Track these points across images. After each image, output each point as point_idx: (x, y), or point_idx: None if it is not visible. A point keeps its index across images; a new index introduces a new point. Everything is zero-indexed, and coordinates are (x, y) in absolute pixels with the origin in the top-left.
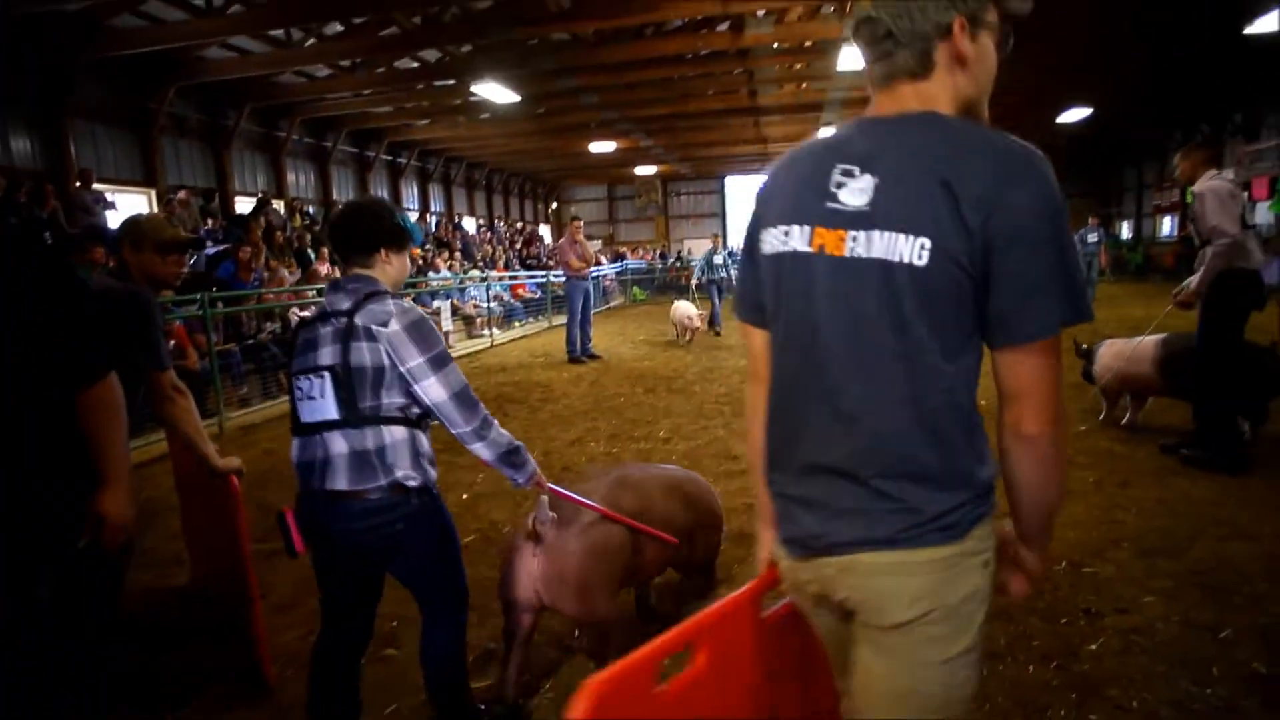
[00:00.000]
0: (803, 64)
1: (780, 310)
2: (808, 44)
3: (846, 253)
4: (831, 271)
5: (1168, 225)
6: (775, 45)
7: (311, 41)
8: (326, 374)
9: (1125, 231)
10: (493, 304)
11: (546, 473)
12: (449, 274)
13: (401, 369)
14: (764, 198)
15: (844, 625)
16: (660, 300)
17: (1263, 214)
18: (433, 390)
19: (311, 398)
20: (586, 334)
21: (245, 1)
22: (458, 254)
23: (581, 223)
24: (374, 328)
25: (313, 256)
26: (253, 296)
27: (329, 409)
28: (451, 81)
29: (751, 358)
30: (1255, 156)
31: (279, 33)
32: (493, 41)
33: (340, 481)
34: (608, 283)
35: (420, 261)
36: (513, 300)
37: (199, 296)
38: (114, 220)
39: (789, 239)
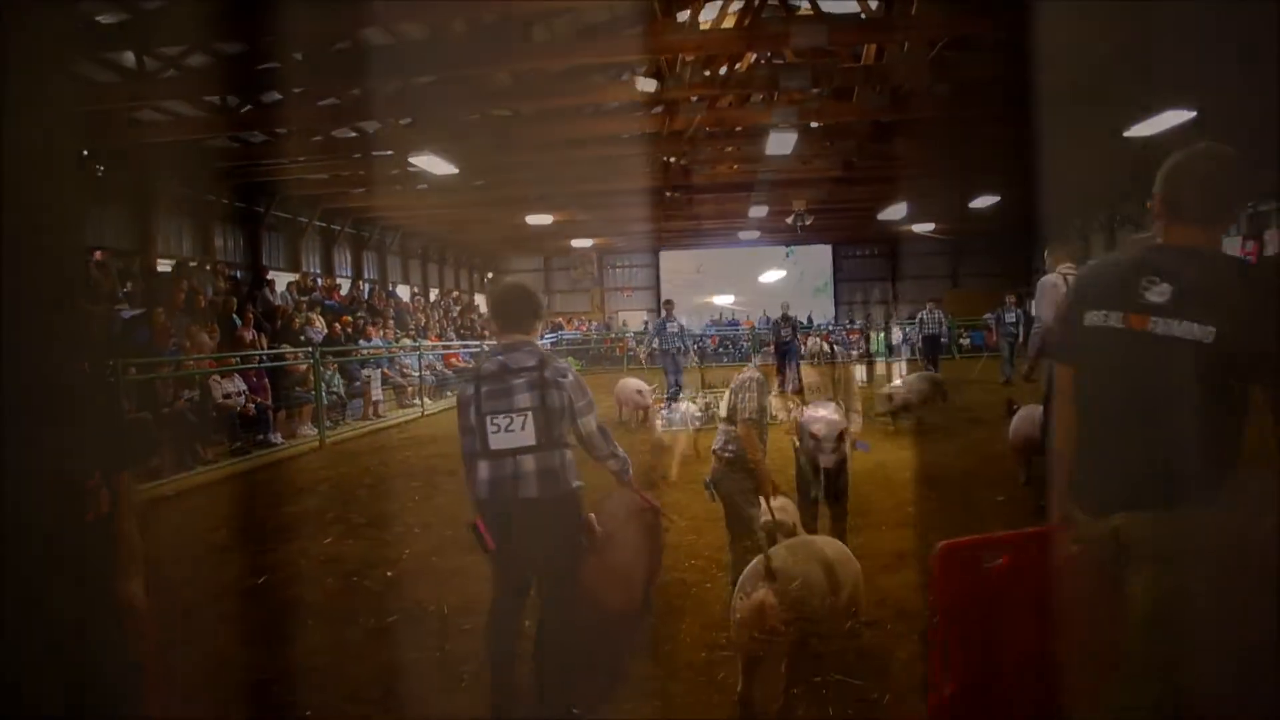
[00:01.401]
0: (734, 147)
1: (1098, 361)
2: (738, 129)
3: (1148, 328)
4: (1140, 342)
5: None
6: (708, 129)
7: (248, 108)
8: (529, 413)
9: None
10: (425, 373)
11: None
12: (380, 342)
13: (574, 408)
14: (1084, 289)
15: (1115, 557)
16: (595, 370)
17: None
18: (590, 424)
19: (510, 430)
20: None
21: (180, 67)
22: (390, 322)
23: None
24: (559, 379)
25: (238, 322)
26: (168, 363)
27: (527, 438)
28: (389, 152)
29: (1065, 382)
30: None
31: (214, 98)
32: (432, 116)
33: (532, 491)
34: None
35: (350, 329)
36: (445, 370)
37: (110, 363)
38: None
39: (1108, 319)
